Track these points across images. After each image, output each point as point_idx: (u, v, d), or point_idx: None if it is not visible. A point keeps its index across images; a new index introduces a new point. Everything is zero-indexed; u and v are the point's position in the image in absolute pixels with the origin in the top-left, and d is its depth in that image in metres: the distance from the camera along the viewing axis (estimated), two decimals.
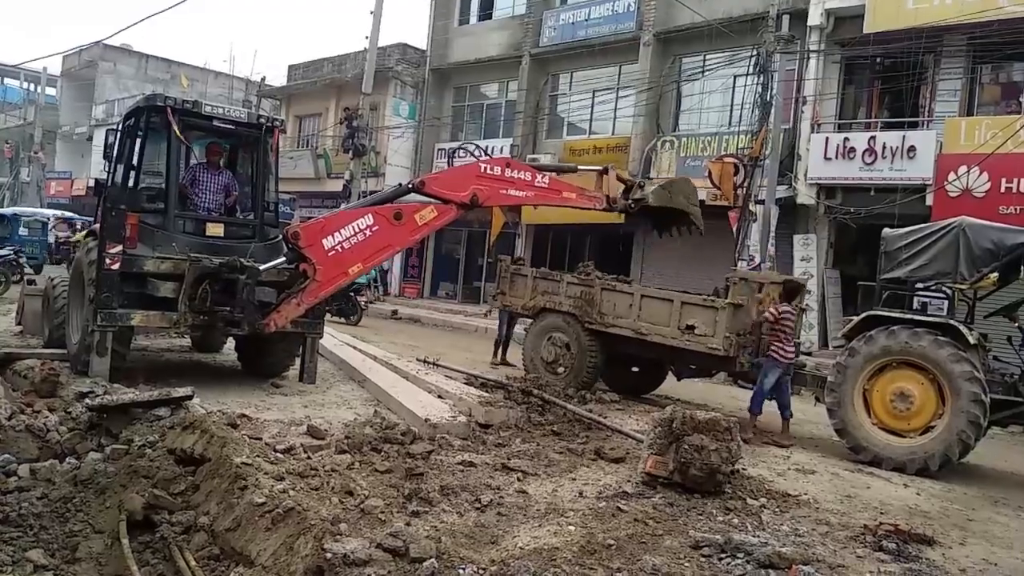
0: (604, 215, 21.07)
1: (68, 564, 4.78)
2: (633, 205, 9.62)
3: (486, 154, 11.28)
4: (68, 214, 29.67)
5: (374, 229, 8.26)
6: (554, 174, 9.60)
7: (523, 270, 11.85)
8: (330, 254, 8.12)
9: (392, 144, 27.74)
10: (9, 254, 19.49)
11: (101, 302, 7.95)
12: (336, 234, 8.17)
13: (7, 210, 24.14)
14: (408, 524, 4.77)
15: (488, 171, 8.84)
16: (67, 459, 5.82)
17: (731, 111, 19.59)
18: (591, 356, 10.43)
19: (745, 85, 17.58)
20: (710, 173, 17.27)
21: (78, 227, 22.72)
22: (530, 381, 10.35)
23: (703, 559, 4.74)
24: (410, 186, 8.96)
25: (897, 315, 8.45)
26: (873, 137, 16.83)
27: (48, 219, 22.76)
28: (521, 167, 9.14)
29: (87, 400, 6.51)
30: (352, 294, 17.21)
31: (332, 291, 8.56)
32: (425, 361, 11.57)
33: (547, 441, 7.63)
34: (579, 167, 10.42)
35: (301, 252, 8.14)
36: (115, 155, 9.28)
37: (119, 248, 7.99)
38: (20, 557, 4.71)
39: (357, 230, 8.20)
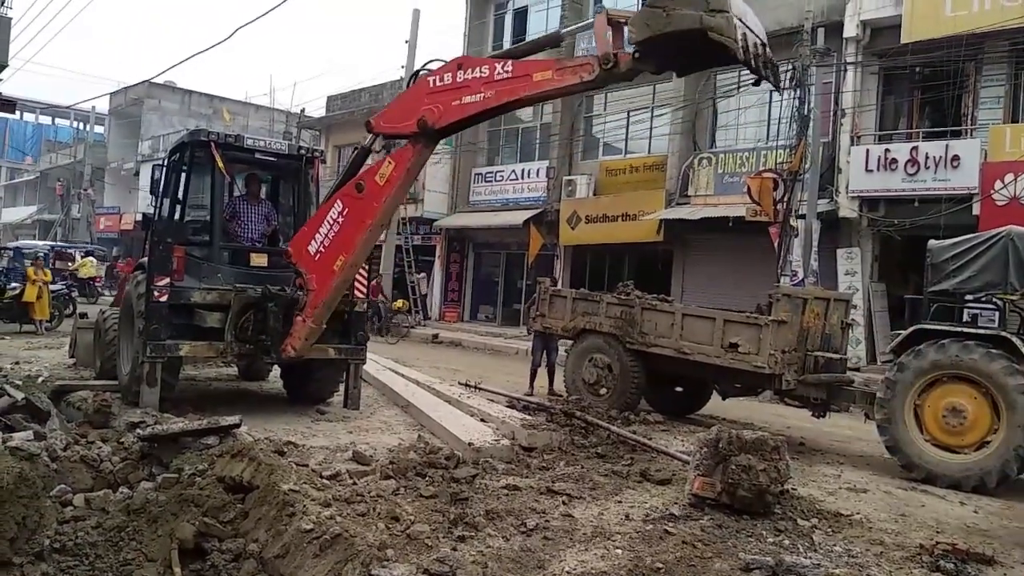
0: (640, 232, 21.04)
1: None
2: (637, 53, 6.37)
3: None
4: (53, 243, 30.73)
5: (344, 213, 7.81)
6: (527, 58, 7.32)
7: (562, 291, 11.84)
8: (316, 258, 8.00)
9: (429, 170, 27.98)
10: (62, 288, 20.04)
11: (150, 334, 8.12)
12: (317, 236, 7.98)
13: (11, 244, 25.17)
14: (454, 549, 4.77)
15: (439, 83, 7.30)
16: (120, 488, 5.93)
17: (768, 126, 19.43)
18: (633, 377, 10.36)
19: (782, 99, 17.42)
20: (749, 189, 17.13)
21: (76, 256, 23.36)
22: (572, 403, 10.31)
23: None
24: (366, 140, 7.99)
25: (946, 328, 8.28)
26: (915, 147, 16.55)
27: (49, 251, 23.72)
28: (477, 62, 7.27)
29: (138, 430, 6.64)
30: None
31: (330, 295, 8.14)
32: (467, 385, 11.60)
33: (591, 464, 7.58)
34: (563, 31, 7.69)
35: (296, 267, 8.15)
36: (161, 189, 9.52)
37: (167, 280, 8.18)
38: None
39: (332, 222, 7.90)
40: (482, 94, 7.02)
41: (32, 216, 59.18)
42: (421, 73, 7.57)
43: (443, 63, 7.39)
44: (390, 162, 7.67)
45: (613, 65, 6.40)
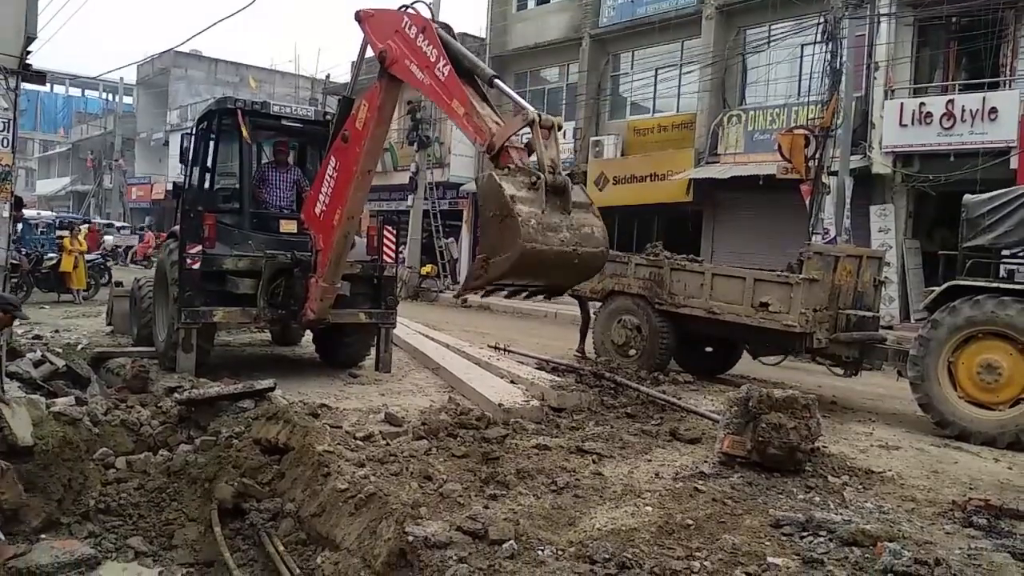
0: (669, 192, 20.88)
1: (165, 551, 5.01)
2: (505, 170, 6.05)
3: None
4: (57, 215, 31.35)
5: (337, 167, 7.88)
6: (472, 83, 6.68)
7: None
8: (321, 217, 8.08)
9: (456, 134, 27.88)
10: (97, 258, 20.38)
11: (184, 301, 8.25)
12: (320, 196, 8.05)
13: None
14: (486, 507, 4.84)
15: (407, 29, 7.02)
16: (160, 451, 6.09)
17: (799, 81, 19.06)
18: (662, 337, 10.34)
19: (813, 54, 17.08)
20: (780, 146, 16.86)
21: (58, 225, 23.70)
22: (602, 364, 10.34)
23: (784, 538, 4.69)
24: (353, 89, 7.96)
25: (982, 284, 8.13)
26: (951, 100, 16.16)
27: (53, 221, 24.32)
28: (432, 38, 6.77)
29: (176, 394, 6.80)
30: None
31: (335, 251, 8.10)
32: (496, 347, 11.66)
33: (621, 423, 7.62)
34: (495, 78, 6.70)
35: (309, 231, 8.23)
36: (190, 158, 9.59)
37: (199, 248, 8.28)
38: (122, 544, 4.97)
39: (329, 179, 7.95)
40: (423, 76, 6.82)
41: (66, 188, 60.12)
42: (403, 7, 7.33)
43: (419, 12, 7.15)
44: (364, 104, 7.61)
45: (491, 156, 6.25)
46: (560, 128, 6.43)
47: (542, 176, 5.83)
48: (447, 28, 7.00)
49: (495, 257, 5.82)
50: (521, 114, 6.13)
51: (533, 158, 6.13)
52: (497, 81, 6.67)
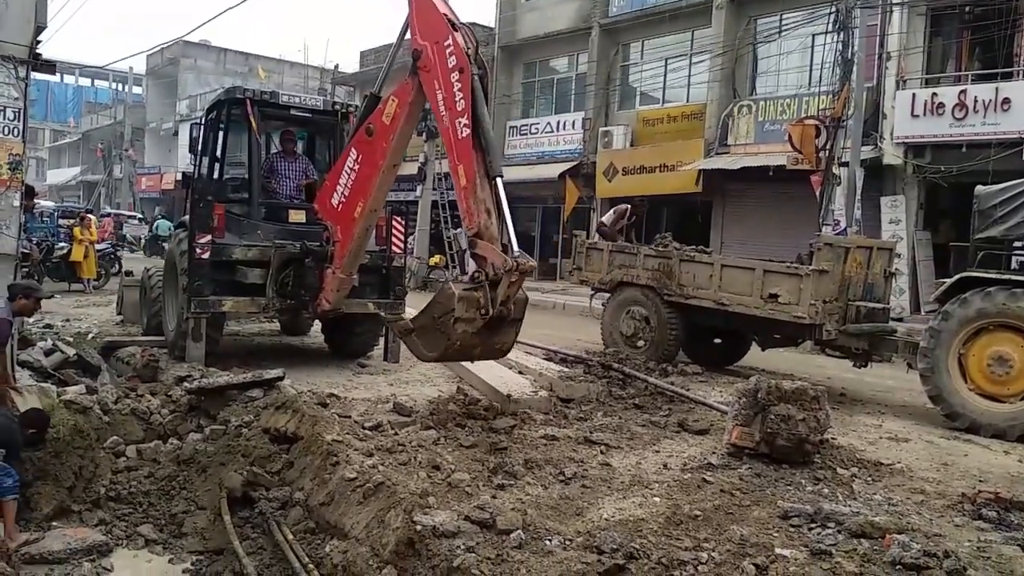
0: (679, 183, 20.81)
1: (175, 539, 5.06)
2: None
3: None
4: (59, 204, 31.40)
5: (359, 160, 7.83)
6: (484, 153, 6.56)
7: (599, 244, 11.77)
8: (339, 209, 8.06)
9: None
10: (107, 247, 20.45)
11: (194, 290, 8.28)
12: (337, 187, 8.03)
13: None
14: (494, 497, 4.85)
15: (448, 53, 6.72)
16: (170, 440, 6.14)
17: (810, 71, 18.94)
18: (671, 329, 10.32)
19: (824, 44, 16.95)
20: (790, 137, 16.76)
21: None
22: (610, 355, 10.33)
23: (792, 529, 4.68)
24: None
25: (993, 276, 8.08)
26: (963, 91, 16.02)
27: (55, 211, 24.44)
28: (466, 89, 6.56)
29: (186, 384, 6.84)
30: None
31: (355, 243, 8.12)
32: None
33: (629, 414, 7.62)
34: (499, 178, 6.63)
35: (323, 222, 8.27)
36: (199, 148, 9.60)
37: (208, 238, 8.30)
38: (133, 532, 5.02)
39: (349, 171, 7.91)
40: (444, 113, 6.74)
41: (76, 177, 60.35)
42: (455, 19, 7.05)
43: (465, 45, 6.78)
44: (393, 99, 7.56)
45: (471, 248, 6.73)
46: (533, 273, 6.90)
47: (491, 311, 6.30)
48: (483, 73, 6.78)
49: (419, 339, 6.65)
50: (504, 258, 6.37)
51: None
52: (499, 180, 6.64)
